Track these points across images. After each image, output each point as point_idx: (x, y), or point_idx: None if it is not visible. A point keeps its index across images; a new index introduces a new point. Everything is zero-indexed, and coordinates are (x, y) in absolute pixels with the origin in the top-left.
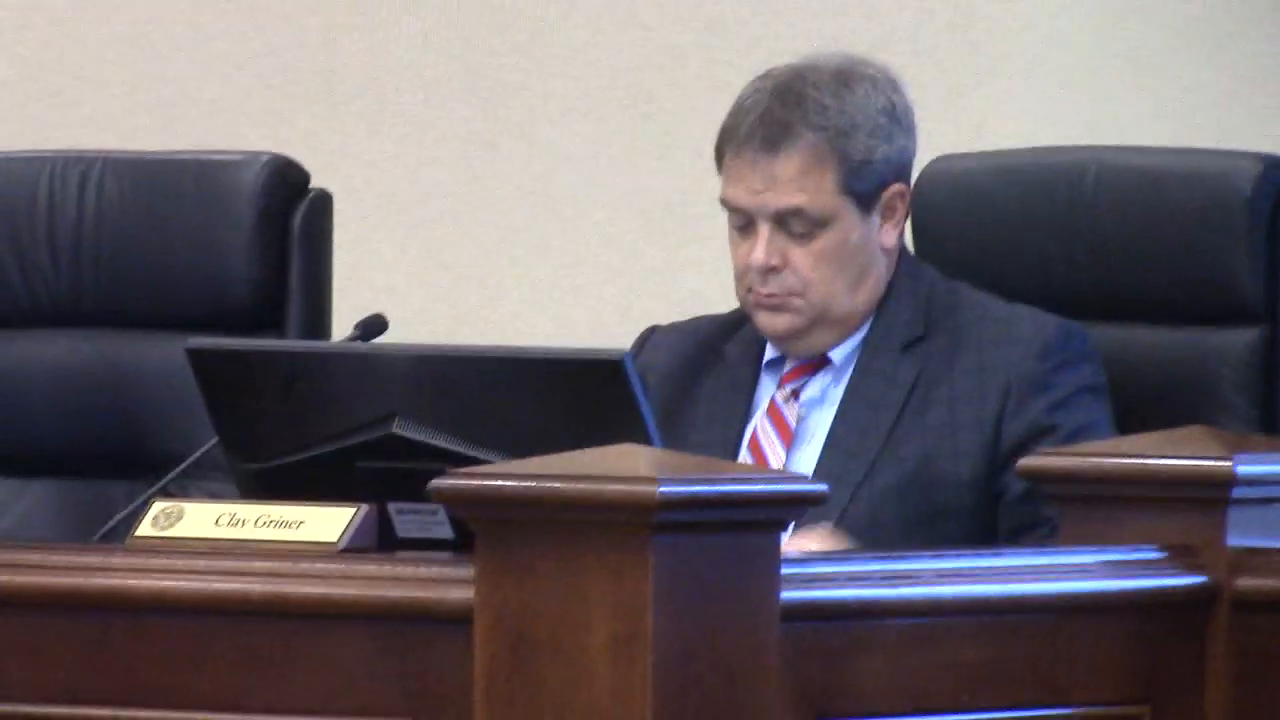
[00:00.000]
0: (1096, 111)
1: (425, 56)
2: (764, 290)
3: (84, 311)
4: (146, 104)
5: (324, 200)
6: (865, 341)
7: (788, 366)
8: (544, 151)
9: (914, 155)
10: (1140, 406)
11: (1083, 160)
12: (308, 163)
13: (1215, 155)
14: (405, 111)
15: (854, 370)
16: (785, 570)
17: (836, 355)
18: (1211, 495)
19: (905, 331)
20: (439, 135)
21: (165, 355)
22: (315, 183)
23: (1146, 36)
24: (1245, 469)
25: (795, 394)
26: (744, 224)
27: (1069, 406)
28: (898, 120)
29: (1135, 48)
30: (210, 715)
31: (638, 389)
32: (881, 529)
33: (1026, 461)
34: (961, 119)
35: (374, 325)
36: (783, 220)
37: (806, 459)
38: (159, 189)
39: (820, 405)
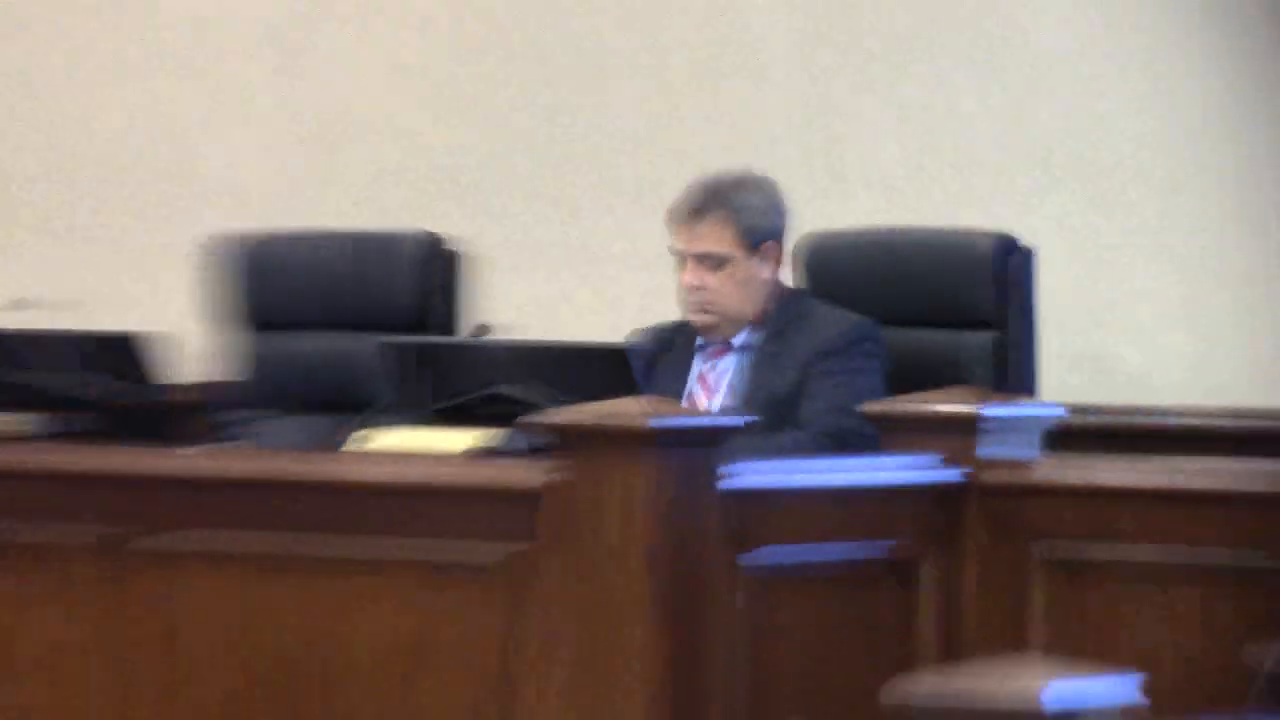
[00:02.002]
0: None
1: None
2: (693, 300)
3: (315, 319)
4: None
5: (461, 258)
6: (751, 332)
7: (709, 349)
8: (608, 191)
9: (784, 226)
10: (925, 376)
11: (890, 237)
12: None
13: (967, 233)
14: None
15: (743, 348)
16: (721, 470)
17: (737, 341)
18: (969, 425)
19: (771, 325)
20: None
21: (367, 346)
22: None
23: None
24: (987, 410)
25: (714, 367)
26: (681, 261)
27: (844, 358)
28: (774, 207)
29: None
30: (382, 539)
31: (636, 367)
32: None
33: (870, 406)
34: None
35: (484, 329)
36: (701, 259)
37: (718, 404)
38: (359, 257)
39: (728, 372)
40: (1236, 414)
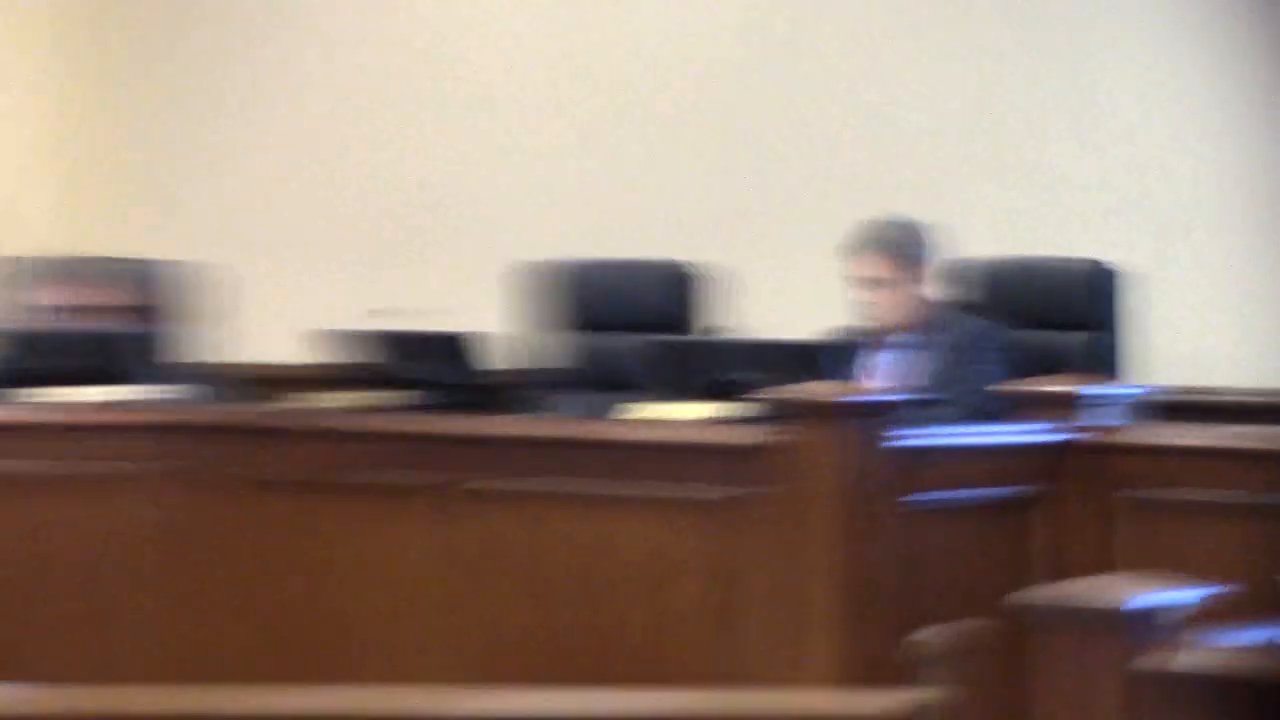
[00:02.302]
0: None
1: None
2: (869, 310)
3: (594, 323)
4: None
5: (698, 278)
6: (908, 334)
7: (874, 346)
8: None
9: (931, 256)
10: (1038, 365)
11: (1012, 263)
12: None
13: (1068, 260)
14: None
15: (901, 346)
16: (888, 433)
17: (900, 342)
18: (1071, 401)
19: (923, 329)
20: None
21: (632, 344)
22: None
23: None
24: (1084, 390)
25: (877, 358)
26: (855, 282)
27: (978, 352)
28: (922, 242)
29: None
30: (640, 481)
31: (824, 358)
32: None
33: (998, 387)
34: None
35: (711, 330)
36: (868, 282)
37: (881, 386)
38: (625, 279)
39: (888, 362)
40: (1272, 393)
